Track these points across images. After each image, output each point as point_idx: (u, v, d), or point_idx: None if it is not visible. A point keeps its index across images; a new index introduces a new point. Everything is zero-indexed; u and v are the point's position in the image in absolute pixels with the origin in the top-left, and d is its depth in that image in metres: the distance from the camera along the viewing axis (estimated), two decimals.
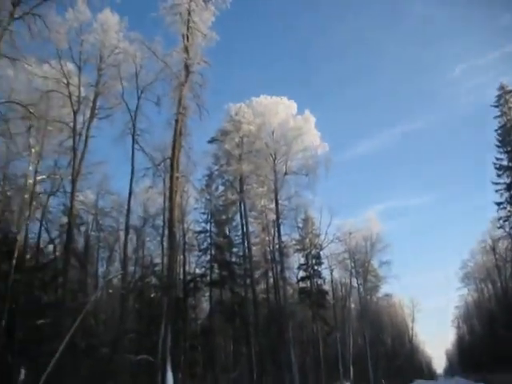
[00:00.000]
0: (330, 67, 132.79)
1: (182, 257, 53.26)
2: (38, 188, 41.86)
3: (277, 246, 57.22)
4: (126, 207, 41.82)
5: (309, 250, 69.02)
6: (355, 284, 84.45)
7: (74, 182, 37.51)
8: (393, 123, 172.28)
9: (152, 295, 51.08)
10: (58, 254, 44.21)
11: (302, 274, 70.30)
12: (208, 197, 58.20)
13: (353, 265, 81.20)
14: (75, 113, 38.25)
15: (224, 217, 59.74)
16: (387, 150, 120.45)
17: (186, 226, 55.53)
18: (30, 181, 39.73)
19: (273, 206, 57.26)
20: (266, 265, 61.17)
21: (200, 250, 58.87)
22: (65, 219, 42.78)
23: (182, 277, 53.34)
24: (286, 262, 60.55)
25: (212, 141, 57.67)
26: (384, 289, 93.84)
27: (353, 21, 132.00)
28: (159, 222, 51.58)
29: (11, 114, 34.86)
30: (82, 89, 39.02)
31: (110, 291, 54.35)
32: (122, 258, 47.01)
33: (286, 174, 56.41)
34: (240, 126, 54.61)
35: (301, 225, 68.38)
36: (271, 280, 61.82)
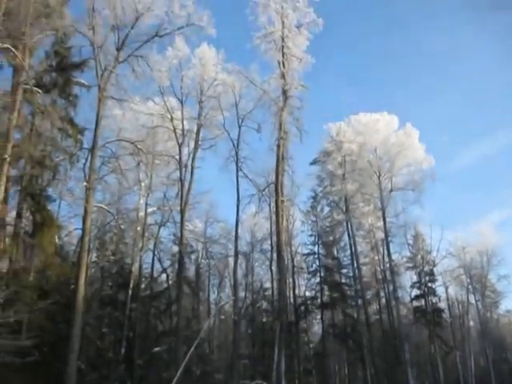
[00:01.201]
0: (423, 76, 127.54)
1: (291, 280, 52.86)
2: (150, 220, 43.37)
3: (387, 265, 55.37)
4: (233, 234, 42.18)
5: (421, 268, 66.05)
6: (472, 301, 79.47)
7: (182, 212, 38.40)
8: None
9: (264, 320, 51.04)
10: (170, 282, 45.33)
11: (415, 292, 67.25)
12: (314, 219, 57.70)
13: (469, 280, 76.57)
14: (180, 145, 39.28)
15: (331, 238, 58.81)
16: (501, 153, 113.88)
17: (293, 249, 55.28)
18: (142, 213, 41.20)
19: (380, 224, 55.56)
20: (378, 285, 59.44)
21: (309, 273, 58.24)
22: (176, 248, 43.99)
23: (292, 300, 52.84)
24: (398, 280, 58.37)
25: (314, 162, 57.22)
26: (504, 305, 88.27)
27: (448, 32, 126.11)
28: (267, 246, 51.68)
29: (121, 151, 36.49)
30: (185, 122, 40.07)
31: (223, 317, 55.02)
32: (232, 284, 47.36)
33: (391, 190, 54.67)
34: (341, 145, 53.85)
35: (411, 241, 65.76)
36: (383, 300, 59.85)
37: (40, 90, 30.80)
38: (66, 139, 34.41)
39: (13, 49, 27.36)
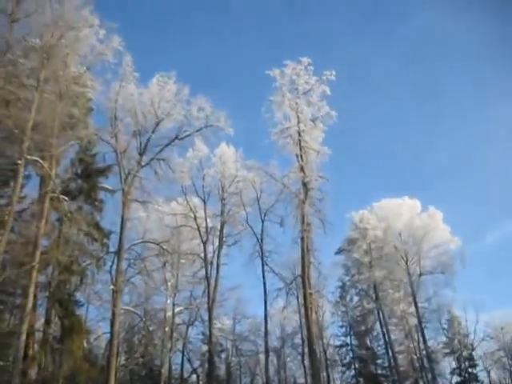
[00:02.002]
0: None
1: (325, 374, 51.09)
2: (178, 320, 42.84)
3: (423, 352, 53.34)
4: (263, 329, 41.37)
5: (459, 352, 63.37)
6: None
7: (210, 310, 37.91)
8: None
9: None
10: (201, 383, 44.12)
11: (455, 379, 64.12)
12: (344, 309, 56.59)
13: (510, 362, 73.34)
14: (205, 243, 39.42)
15: (363, 327, 57.28)
16: None
17: (325, 341, 53.82)
18: (169, 313, 40.77)
19: (412, 309, 54.07)
20: (415, 373, 56.91)
21: (343, 365, 56.38)
22: (205, 348, 43.10)
23: None
24: (437, 368, 55.91)
25: (339, 251, 56.84)
26: None
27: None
28: (298, 340, 50.42)
29: (147, 253, 36.77)
30: (208, 220, 40.44)
31: None
32: (264, 381, 45.93)
33: (420, 274, 53.63)
34: (366, 232, 53.66)
35: (446, 326, 63.49)
36: None
37: (66, 198, 31.59)
38: (92, 243, 34.81)
39: (41, 160, 28.40)
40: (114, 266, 32.18)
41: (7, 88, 28.37)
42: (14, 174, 29.50)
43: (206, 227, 40.09)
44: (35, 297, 29.20)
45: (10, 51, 27.91)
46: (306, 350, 41.20)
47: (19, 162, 26.39)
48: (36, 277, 27.69)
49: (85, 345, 33.18)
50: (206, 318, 40.61)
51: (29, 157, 26.95)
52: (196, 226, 39.87)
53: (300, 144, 37.33)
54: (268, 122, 37.61)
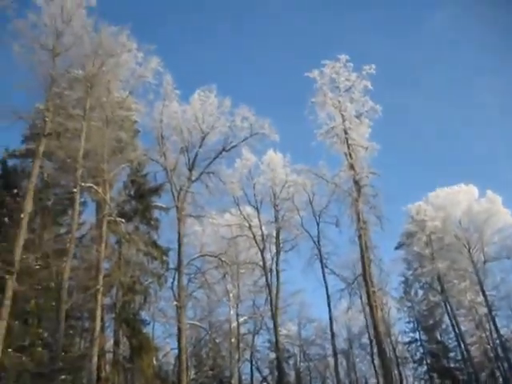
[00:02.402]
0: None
1: (397, 372, 50.20)
2: (243, 329, 43.00)
3: (497, 341, 51.67)
4: (329, 332, 40.98)
5: None
6: None
7: (274, 317, 37.86)
8: None
9: None
10: None
11: None
12: (409, 304, 55.48)
13: None
14: (262, 251, 39.45)
15: (431, 321, 55.93)
16: None
17: (393, 338, 52.88)
18: (234, 324, 40.96)
19: (481, 298, 52.36)
20: (490, 364, 55.16)
21: (414, 362, 55.17)
22: (273, 355, 43.09)
23: None
24: None
25: (399, 246, 55.80)
26: None
27: None
28: (365, 340, 49.74)
29: (206, 266, 37.20)
30: (263, 227, 40.47)
31: None
32: None
33: (485, 261, 51.99)
34: (424, 224, 52.44)
35: None
36: (500, 380, 55.35)
37: (123, 220, 32.20)
38: (152, 262, 35.44)
39: (95, 186, 29.15)
40: (176, 282, 32.58)
41: (56, 120, 29.33)
42: (70, 202, 30.41)
43: (262, 235, 40.13)
44: (102, 319, 29.89)
45: (55, 84, 28.81)
46: (375, 349, 40.62)
47: (75, 189, 27.17)
48: (101, 299, 28.37)
49: (154, 362, 33.75)
50: (270, 325, 40.65)
51: (83, 184, 27.71)
52: (252, 235, 39.97)
53: (347, 142, 36.90)
54: (312, 124, 37.41)
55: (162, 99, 34.34)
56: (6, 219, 31.12)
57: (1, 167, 33.00)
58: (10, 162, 33.64)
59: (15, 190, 32.05)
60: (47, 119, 28.24)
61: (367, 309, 38.61)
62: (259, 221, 40.48)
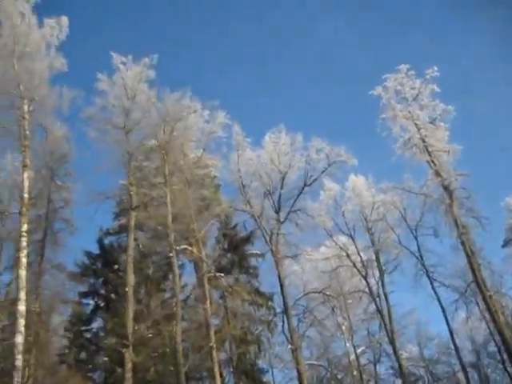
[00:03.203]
0: None
1: None
2: (362, 360, 41.82)
3: None
4: (452, 347, 39.11)
5: None
6: None
7: (392, 342, 36.56)
8: None
9: None
10: None
11: None
12: None
13: None
14: (365, 278, 38.50)
15: None
16: None
17: None
18: (352, 357, 39.92)
19: None
20: None
21: None
22: (399, 382, 41.61)
23: None
24: None
25: (506, 243, 52.78)
26: None
27: None
28: (492, 348, 46.89)
29: (313, 303, 36.77)
30: (361, 254, 39.56)
31: None
32: None
33: None
34: None
35: None
36: None
37: (222, 274, 32.61)
38: (258, 310, 35.49)
39: (189, 247, 29.80)
40: (286, 326, 32.26)
41: (140, 192, 30.53)
42: (169, 267, 31.19)
43: (362, 261, 39.25)
44: (221, 375, 30.07)
45: (132, 159, 30.12)
46: (505, 355, 38.24)
47: (171, 254, 27.82)
48: (217, 356, 28.56)
49: None
50: (390, 351, 39.24)
51: (178, 247, 28.34)
52: (352, 263, 39.19)
53: (427, 150, 35.76)
54: (387, 140, 36.70)
55: (235, 150, 34.92)
56: (113, 295, 32.38)
57: (98, 246, 34.57)
58: (106, 240, 35.23)
59: (116, 266, 33.36)
60: (132, 193, 29.46)
61: (487, 315, 36.62)
62: (356, 248, 39.65)
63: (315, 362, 38.34)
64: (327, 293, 35.95)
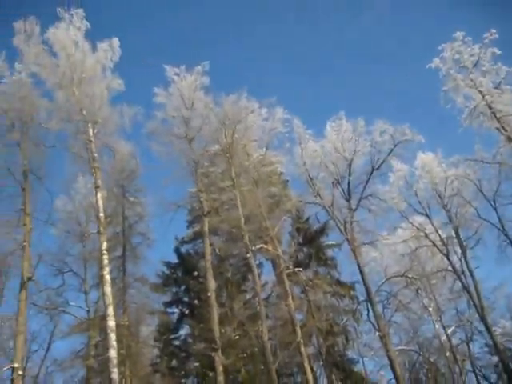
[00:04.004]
0: None
1: None
2: (454, 341, 40.53)
3: None
4: None
5: None
6: None
7: (483, 318, 34.97)
8: None
9: None
10: None
11: None
12: None
13: None
14: (447, 256, 37.08)
15: None
16: None
17: None
18: (443, 338, 38.74)
19: None
20: None
21: None
22: (495, 359, 40.01)
23: None
24: None
25: None
26: None
27: None
28: None
29: (396, 288, 36.05)
30: (440, 232, 38.31)
31: None
32: None
33: None
34: None
35: None
36: None
37: (300, 268, 32.47)
38: (341, 300, 35.27)
39: (265, 246, 29.93)
40: (371, 313, 31.81)
41: (210, 197, 30.93)
42: (247, 268, 31.50)
43: (442, 240, 37.96)
44: (312, 369, 30.04)
45: (198, 166, 30.56)
46: None
47: (248, 255, 27.93)
48: (305, 351, 28.51)
49: None
50: (482, 328, 37.91)
51: (253, 247, 28.47)
52: (431, 243, 38.04)
53: (495, 116, 34.34)
54: (452, 112, 35.44)
55: (298, 143, 34.66)
56: (196, 301, 33.00)
57: (176, 255, 35.34)
58: (183, 249, 35.95)
59: (195, 273, 34.01)
60: (202, 199, 29.88)
61: None
62: (433, 226, 38.39)
63: (405, 347, 37.57)
64: (409, 275, 35.02)
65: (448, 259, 37.09)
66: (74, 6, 27.50)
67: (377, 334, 30.86)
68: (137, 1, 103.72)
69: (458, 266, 37.28)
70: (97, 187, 25.21)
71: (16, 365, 21.11)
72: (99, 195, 24.99)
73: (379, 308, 33.08)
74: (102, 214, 24.46)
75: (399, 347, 36.07)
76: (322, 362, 32.14)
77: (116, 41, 28.15)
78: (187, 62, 31.77)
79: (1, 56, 26.76)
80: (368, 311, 33.05)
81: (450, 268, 37.44)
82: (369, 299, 30.93)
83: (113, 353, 20.87)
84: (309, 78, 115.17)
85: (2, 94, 26.82)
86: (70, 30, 26.95)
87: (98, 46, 27.98)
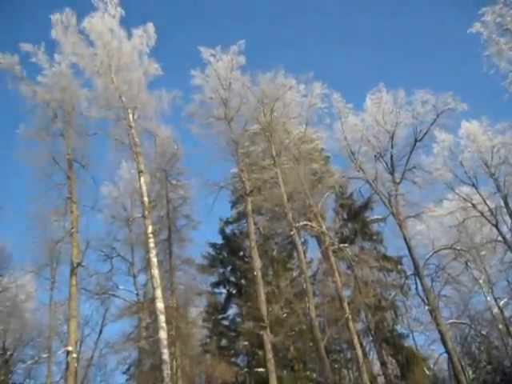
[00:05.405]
0: None
1: None
2: (507, 313, 39.53)
3: None
4: None
5: None
6: None
7: None
8: None
9: None
10: None
11: None
12: None
13: None
14: (496, 226, 35.83)
15: None
16: None
17: None
18: (495, 310, 37.76)
19: None
20: None
21: None
22: None
23: None
24: None
25: None
26: None
27: None
28: None
29: (444, 261, 35.29)
30: (488, 202, 37.40)
31: None
32: None
33: None
34: None
35: None
36: None
37: (346, 244, 32.34)
38: (389, 275, 34.99)
39: (309, 223, 29.84)
40: (420, 287, 31.35)
41: (252, 177, 30.99)
42: (292, 246, 31.55)
43: (490, 210, 36.93)
44: (362, 345, 29.82)
45: (239, 146, 30.63)
46: None
47: (292, 232, 27.88)
48: (354, 327, 28.46)
49: (427, 372, 32.75)
50: None
51: (297, 225, 28.37)
52: (479, 213, 37.15)
53: None
54: (495, 78, 34.30)
55: (337, 118, 34.22)
56: (243, 281, 33.27)
57: (221, 236, 35.63)
58: (228, 229, 36.21)
59: (241, 253, 34.27)
60: (244, 179, 30.01)
61: None
62: (481, 196, 37.42)
63: (456, 321, 36.96)
64: (458, 247, 34.32)
65: (497, 229, 36.18)
66: None
67: (426, 308, 30.44)
68: None
69: (508, 236, 36.38)
70: (140, 172, 25.58)
71: (70, 348, 21.68)
72: (142, 180, 25.35)
73: (428, 281, 32.46)
74: (146, 199, 24.83)
75: (450, 321, 35.52)
76: (371, 338, 31.95)
77: (151, 26, 28.29)
78: (223, 42, 31.73)
79: (40, 48, 27.14)
80: (416, 285, 32.52)
81: (499, 238, 36.51)
82: (417, 273, 30.47)
83: (163, 334, 21.31)
84: (346, 50, 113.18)
85: (43, 86, 27.27)
86: (105, 18, 27.19)
87: (133, 32, 28.19)
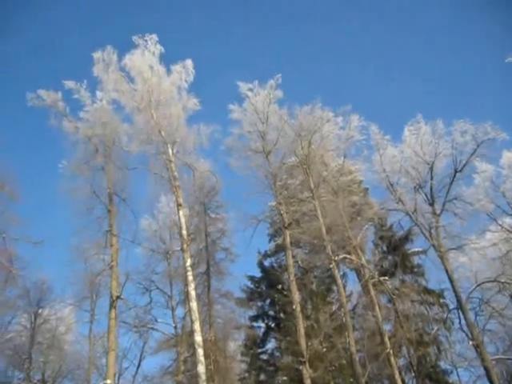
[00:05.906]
0: None
1: None
2: None
3: None
4: None
5: None
6: None
7: None
8: None
9: None
10: None
11: None
12: None
13: None
14: None
15: None
16: None
17: None
18: None
19: None
20: None
21: None
22: None
23: None
24: None
25: None
26: None
27: None
28: None
29: (488, 294, 34.28)
30: None
31: None
32: None
33: None
34: None
35: None
36: None
37: (386, 277, 31.79)
38: (430, 309, 34.22)
39: (348, 256, 29.51)
40: (463, 321, 30.55)
41: (290, 210, 30.96)
42: (331, 279, 31.24)
43: None
44: (403, 381, 29.23)
45: (277, 179, 30.72)
46: None
47: (331, 265, 27.56)
48: (395, 362, 27.85)
49: None
50: None
51: (336, 258, 28.07)
52: None
53: None
54: None
55: (376, 150, 34.08)
56: (282, 314, 33.00)
57: (260, 269, 35.54)
58: (266, 262, 36.12)
59: (279, 286, 34.07)
60: (282, 212, 29.96)
61: None
62: None
63: (502, 356, 35.57)
64: (502, 280, 33.38)
65: None
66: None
67: (470, 343, 29.55)
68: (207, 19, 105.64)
69: None
70: (179, 205, 25.81)
71: (109, 381, 21.77)
72: (181, 213, 25.56)
73: (471, 316, 31.62)
74: (184, 232, 24.98)
75: (496, 356, 34.20)
76: (413, 374, 31.10)
77: (189, 62, 28.92)
78: (260, 76, 32.17)
79: (82, 85, 27.99)
80: (459, 319, 31.67)
81: None
82: (460, 307, 29.74)
83: (201, 368, 21.13)
84: (383, 82, 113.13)
85: (85, 122, 28.04)
86: (145, 56, 27.92)
87: (172, 68, 28.84)
